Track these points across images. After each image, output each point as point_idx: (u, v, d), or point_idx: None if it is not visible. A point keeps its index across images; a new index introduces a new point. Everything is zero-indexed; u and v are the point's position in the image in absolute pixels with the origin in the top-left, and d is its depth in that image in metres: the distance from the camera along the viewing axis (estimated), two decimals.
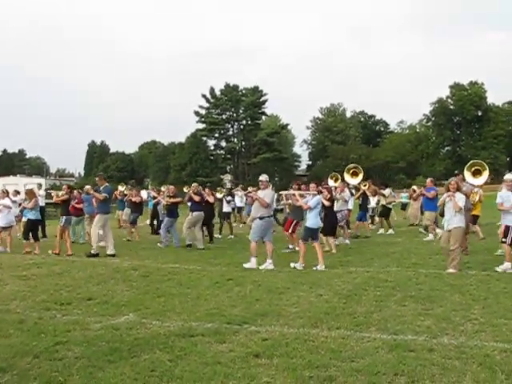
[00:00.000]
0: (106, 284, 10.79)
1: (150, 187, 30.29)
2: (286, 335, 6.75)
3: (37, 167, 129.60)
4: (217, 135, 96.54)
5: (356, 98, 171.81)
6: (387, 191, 21.84)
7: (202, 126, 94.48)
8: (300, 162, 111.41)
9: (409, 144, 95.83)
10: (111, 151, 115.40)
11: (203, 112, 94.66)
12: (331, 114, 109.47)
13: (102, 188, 15.86)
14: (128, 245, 18.51)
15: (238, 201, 26.94)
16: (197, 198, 17.79)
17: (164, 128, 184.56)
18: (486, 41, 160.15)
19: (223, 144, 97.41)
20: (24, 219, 17.66)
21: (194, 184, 18.97)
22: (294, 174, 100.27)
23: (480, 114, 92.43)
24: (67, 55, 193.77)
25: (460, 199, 11.62)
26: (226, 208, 22.51)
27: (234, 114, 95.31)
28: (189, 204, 18.36)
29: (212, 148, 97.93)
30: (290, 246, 15.96)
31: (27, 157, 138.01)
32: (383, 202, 21.76)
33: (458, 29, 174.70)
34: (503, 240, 11.72)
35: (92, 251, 15.24)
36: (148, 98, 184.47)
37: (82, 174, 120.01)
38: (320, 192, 14.13)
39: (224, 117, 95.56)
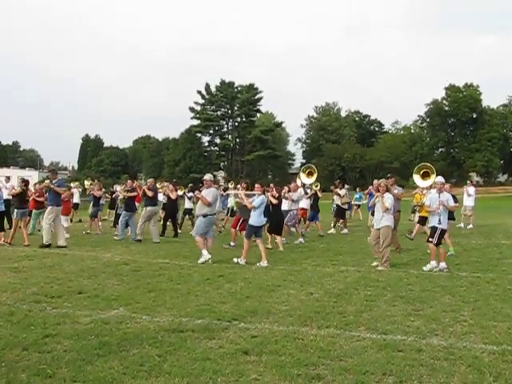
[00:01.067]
0: (97, 278, 10.79)
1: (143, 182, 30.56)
2: (276, 333, 6.76)
3: (30, 160, 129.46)
4: (211, 132, 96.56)
5: (351, 97, 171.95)
6: (343, 191, 21.82)
7: (196, 122, 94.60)
8: (294, 160, 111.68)
9: (403, 145, 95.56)
10: (105, 145, 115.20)
11: (198, 108, 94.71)
12: (326, 113, 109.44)
13: (54, 182, 16.47)
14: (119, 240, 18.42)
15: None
16: (150, 193, 18.15)
17: (159, 123, 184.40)
18: (483, 43, 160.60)
19: (217, 140, 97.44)
20: None
21: (150, 179, 19.56)
22: (287, 172, 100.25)
23: (475, 116, 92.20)
24: (66, 48, 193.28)
25: (387, 200, 12.13)
26: (188, 204, 22.57)
27: (229, 111, 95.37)
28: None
29: (206, 144, 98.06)
30: (232, 243, 16.31)
31: (21, 149, 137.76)
32: (338, 202, 21.71)
33: (455, 31, 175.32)
34: (429, 240, 11.91)
35: (44, 242, 15.72)
36: (144, 93, 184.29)
37: (76, 167, 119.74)
38: (264, 192, 14.61)
39: (219, 113, 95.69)
